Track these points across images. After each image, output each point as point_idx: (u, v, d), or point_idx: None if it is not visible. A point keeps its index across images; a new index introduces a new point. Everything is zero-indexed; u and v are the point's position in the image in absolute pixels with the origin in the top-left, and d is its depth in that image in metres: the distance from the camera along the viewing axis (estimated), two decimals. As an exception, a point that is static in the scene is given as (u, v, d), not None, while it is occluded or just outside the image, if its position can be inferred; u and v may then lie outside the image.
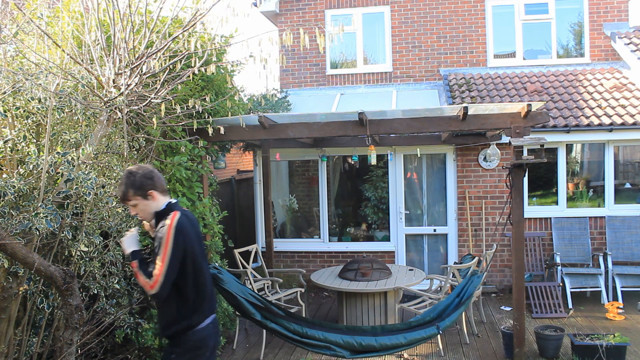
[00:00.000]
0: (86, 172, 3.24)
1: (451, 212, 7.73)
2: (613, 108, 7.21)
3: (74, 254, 3.54)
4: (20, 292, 3.20)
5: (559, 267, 6.83)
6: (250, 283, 5.65)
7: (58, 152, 3.19)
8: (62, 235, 3.35)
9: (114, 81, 3.68)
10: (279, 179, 8.80)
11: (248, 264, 6.27)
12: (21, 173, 3.17)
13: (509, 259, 7.45)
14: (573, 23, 8.71)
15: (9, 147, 3.29)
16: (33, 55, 3.56)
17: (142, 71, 3.65)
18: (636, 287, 6.62)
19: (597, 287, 6.67)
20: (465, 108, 4.73)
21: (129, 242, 2.81)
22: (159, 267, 2.55)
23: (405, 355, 5.23)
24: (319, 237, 8.19)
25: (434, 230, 7.82)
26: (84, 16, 3.85)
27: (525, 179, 6.11)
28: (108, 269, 3.92)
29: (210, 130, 4.58)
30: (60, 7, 4.08)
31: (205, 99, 4.41)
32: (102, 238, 3.85)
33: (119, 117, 3.72)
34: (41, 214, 2.95)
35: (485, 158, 7.51)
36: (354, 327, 4.44)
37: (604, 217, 7.19)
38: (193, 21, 3.83)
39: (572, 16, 8.68)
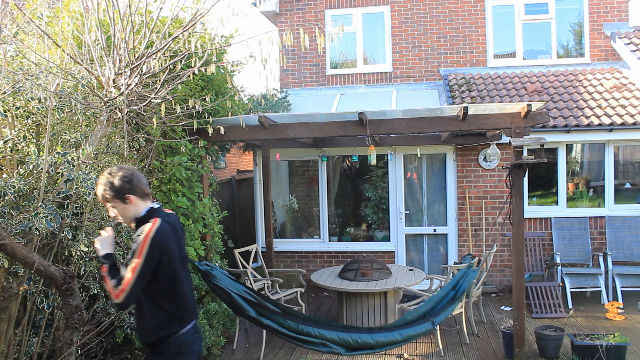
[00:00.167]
0: (86, 172, 3.24)
1: (451, 212, 7.73)
2: (613, 108, 7.21)
3: (74, 254, 3.55)
4: (20, 292, 3.20)
5: (559, 267, 6.83)
6: (250, 283, 5.65)
7: (58, 152, 3.19)
8: (62, 235, 3.35)
9: (114, 81, 3.68)
10: (279, 179, 8.80)
11: (248, 264, 6.27)
12: (21, 173, 3.18)
13: (509, 259, 7.45)
14: (573, 23, 8.71)
15: (9, 147, 3.30)
16: (33, 55, 3.56)
17: (142, 71, 3.65)
18: (636, 287, 6.62)
19: (597, 287, 6.67)
20: (465, 108, 4.73)
21: (104, 243, 2.66)
22: (129, 277, 2.45)
23: (406, 355, 5.23)
24: (319, 237, 8.19)
25: (434, 230, 7.82)
26: (84, 16, 3.85)
27: (525, 179, 6.11)
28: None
29: (210, 130, 4.58)
30: (60, 7, 4.08)
31: (205, 99, 4.41)
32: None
33: (119, 117, 3.72)
34: (41, 214, 2.95)
35: (485, 158, 7.51)
36: (350, 325, 4.43)
37: (604, 217, 7.19)
38: (193, 21, 3.83)
39: (572, 16, 8.68)
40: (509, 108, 4.85)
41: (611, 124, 6.85)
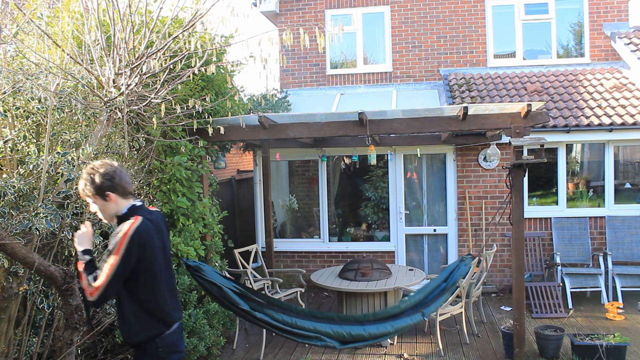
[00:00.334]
0: (86, 172, 3.23)
1: (451, 212, 7.73)
2: (613, 108, 7.21)
3: (74, 254, 3.54)
4: (20, 292, 3.20)
5: (559, 267, 6.83)
6: (250, 283, 5.65)
7: (58, 152, 3.19)
8: (62, 235, 3.35)
9: (114, 81, 3.68)
10: (279, 179, 8.80)
11: (248, 264, 6.27)
12: (21, 173, 3.18)
13: (509, 259, 7.45)
14: (573, 23, 8.71)
15: (9, 147, 3.30)
16: (33, 55, 3.56)
17: (142, 71, 3.65)
18: (636, 287, 6.62)
19: (597, 287, 6.67)
20: (465, 108, 4.73)
21: (82, 239, 2.60)
22: (105, 275, 2.39)
23: (406, 355, 5.23)
24: (319, 237, 8.19)
25: (434, 230, 7.82)
26: (84, 16, 3.85)
27: (525, 179, 6.11)
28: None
29: (210, 130, 4.58)
30: (60, 7, 4.08)
31: (205, 99, 4.41)
32: (102, 238, 3.85)
33: (119, 117, 3.72)
34: (41, 214, 2.95)
35: (485, 158, 7.51)
36: (345, 316, 4.41)
37: (604, 217, 7.19)
38: (193, 21, 3.83)
39: (572, 16, 8.68)
40: (509, 108, 4.85)
41: (611, 124, 6.85)
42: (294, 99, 8.56)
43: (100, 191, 2.51)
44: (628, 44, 7.97)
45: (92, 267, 2.49)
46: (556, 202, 7.50)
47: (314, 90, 9.07)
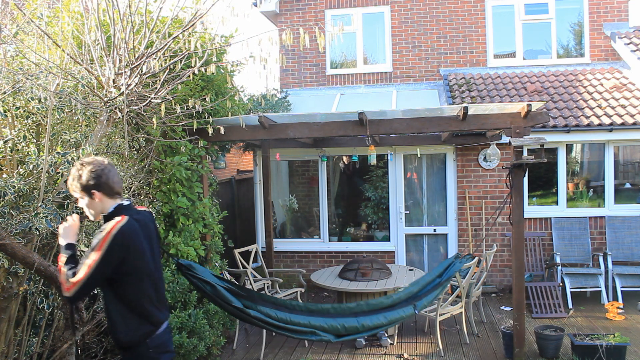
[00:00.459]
0: (86, 172, 3.23)
1: (451, 212, 7.73)
2: (613, 108, 7.21)
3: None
4: (20, 292, 3.20)
5: (559, 267, 6.83)
6: (251, 283, 5.65)
7: (58, 152, 3.19)
8: (62, 235, 3.35)
9: (114, 81, 3.68)
10: (279, 179, 8.80)
11: (248, 264, 6.27)
12: (21, 173, 3.18)
13: (509, 259, 7.45)
14: (573, 23, 8.71)
15: (9, 147, 3.30)
16: (33, 55, 3.56)
17: (142, 71, 3.65)
18: (636, 287, 6.62)
19: (597, 287, 6.67)
20: (465, 108, 4.73)
21: (67, 232, 2.55)
22: (83, 272, 2.36)
23: (406, 355, 5.23)
24: (319, 237, 8.19)
25: (434, 230, 7.82)
26: (84, 16, 3.85)
27: (525, 179, 6.10)
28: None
29: (210, 130, 4.58)
30: (60, 7, 4.08)
31: (205, 99, 4.41)
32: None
33: (119, 117, 3.72)
34: (41, 214, 2.95)
35: (485, 158, 7.51)
36: (339, 307, 4.39)
37: (604, 217, 7.19)
38: (193, 21, 3.83)
39: (572, 16, 8.68)
40: (509, 108, 4.85)
41: (611, 124, 6.85)
42: (294, 99, 8.56)
43: (86, 189, 2.48)
44: (628, 44, 7.97)
45: (72, 262, 2.45)
46: (556, 202, 7.50)
47: (314, 90, 9.07)
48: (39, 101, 3.31)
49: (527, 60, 8.77)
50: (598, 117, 7.03)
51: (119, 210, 2.53)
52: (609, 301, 6.54)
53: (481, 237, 7.53)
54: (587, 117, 7.05)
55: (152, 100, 3.91)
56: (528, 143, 4.68)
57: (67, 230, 2.56)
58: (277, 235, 8.47)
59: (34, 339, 3.48)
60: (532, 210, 7.40)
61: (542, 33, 8.73)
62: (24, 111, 3.40)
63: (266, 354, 5.37)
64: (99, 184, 2.47)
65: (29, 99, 3.32)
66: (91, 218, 2.59)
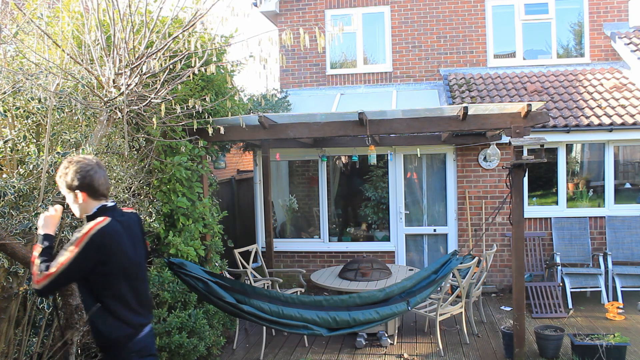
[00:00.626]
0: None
1: (451, 212, 7.73)
2: (613, 108, 7.21)
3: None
4: (20, 292, 3.20)
5: (559, 267, 6.83)
6: (250, 283, 5.65)
7: (58, 152, 3.19)
8: (62, 235, 3.35)
9: (114, 81, 3.68)
10: (279, 179, 8.80)
11: (248, 264, 6.27)
12: (21, 173, 3.17)
13: (509, 259, 7.45)
14: (573, 23, 8.71)
15: (9, 147, 3.30)
16: (33, 55, 3.56)
17: (142, 71, 3.65)
18: (636, 287, 6.62)
19: (597, 287, 6.67)
20: (465, 108, 4.73)
21: (47, 222, 2.51)
22: (56, 267, 2.32)
23: (406, 355, 5.23)
24: (319, 237, 8.19)
25: (434, 230, 7.82)
26: (84, 16, 3.86)
27: (525, 179, 6.11)
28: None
29: (210, 130, 4.58)
30: (60, 7, 4.08)
31: (205, 99, 4.41)
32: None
33: (119, 117, 3.72)
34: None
35: (485, 158, 7.51)
36: (332, 299, 4.36)
37: (604, 217, 7.19)
38: (193, 21, 3.83)
39: (572, 16, 8.68)
40: (509, 108, 4.85)
41: (611, 124, 6.85)
42: (294, 99, 8.56)
43: (70, 188, 2.46)
44: (628, 44, 7.97)
45: (47, 255, 2.41)
46: (556, 202, 7.50)
47: (314, 90, 9.07)
48: (39, 101, 3.31)
49: (527, 60, 8.77)
50: (598, 117, 7.03)
51: (102, 211, 2.49)
52: (609, 301, 6.54)
53: (481, 237, 7.53)
54: (587, 117, 7.05)
55: (152, 100, 3.91)
56: (528, 143, 4.68)
57: (48, 220, 2.52)
58: (277, 235, 8.47)
59: (34, 339, 3.48)
60: (532, 210, 7.40)
61: (542, 33, 8.74)
62: (24, 111, 3.40)
63: (266, 354, 5.37)
64: (83, 184, 2.44)
65: (29, 99, 3.32)
66: (76, 215, 2.56)
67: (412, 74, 8.89)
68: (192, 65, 3.83)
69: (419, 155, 7.43)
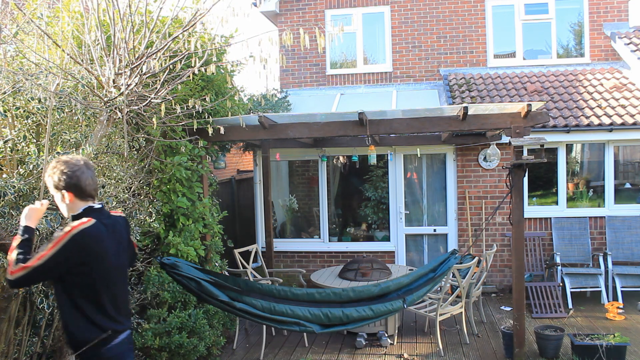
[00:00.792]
0: (86, 172, 3.23)
1: (451, 212, 7.73)
2: (613, 108, 7.21)
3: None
4: (20, 292, 3.20)
5: (559, 267, 6.83)
6: (250, 283, 5.65)
7: (58, 152, 3.19)
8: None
9: (114, 81, 3.68)
10: (279, 179, 8.80)
11: (248, 264, 6.27)
12: (21, 173, 3.17)
13: (509, 259, 7.45)
14: (573, 23, 8.71)
15: (9, 147, 3.30)
16: (33, 55, 3.56)
17: (142, 71, 3.66)
18: (636, 287, 6.62)
19: (597, 287, 6.67)
20: (465, 108, 4.73)
21: (30, 214, 2.50)
22: (32, 261, 2.31)
23: (406, 355, 5.23)
24: (319, 237, 8.19)
25: (434, 230, 7.82)
26: (84, 16, 3.86)
27: (525, 179, 6.11)
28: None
29: (210, 130, 4.58)
30: (60, 7, 4.08)
31: (205, 99, 4.41)
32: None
33: (119, 117, 3.72)
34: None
35: (485, 158, 7.52)
36: (324, 291, 4.28)
37: (604, 217, 7.19)
38: (193, 21, 3.83)
39: (572, 16, 8.68)
40: (509, 108, 4.85)
41: (611, 124, 6.85)
42: (294, 99, 8.56)
43: (57, 188, 2.46)
44: (628, 44, 7.97)
45: (25, 247, 2.40)
46: (556, 202, 7.50)
47: (314, 90, 9.07)
48: (39, 101, 3.31)
49: (527, 60, 8.77)
50: (598, 117, 7.03)
51: (88, 212, 2.48)
52: (609, 301, 6.55)
53: (481, 237, 7.53)
54: (587, 117, 7.05)
55: (152, 100, 3.91)
56: (528, 143, 4.68)
57: (32, 212, 2.52)
58: (277, 235, 8.47)
59: (34, 339, 3.48)
60: (532, 210, 7.40)
61: (542, 33, 8.74)
62: (24, 111, 3.40)
63: (266, 354, 5.37)
64: (69, 185, 2.44)
65: (29, 99, 3.32)
66: (64, 214, 2.56)
67: (412, 74, 8.89)
68: (192, 65, 3.83)
69: (419, 155, 7.43)
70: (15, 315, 3.24)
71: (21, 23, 3.71)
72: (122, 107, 3.62)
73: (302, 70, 9.19)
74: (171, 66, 3.87)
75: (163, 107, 3.96)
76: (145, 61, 3.62)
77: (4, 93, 3.18)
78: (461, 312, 5.55)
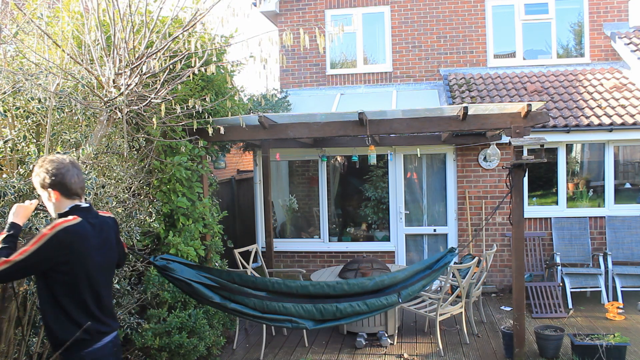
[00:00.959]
0: (86, 172, 3.24)
1: (451, 212, 7.73)
2: (613, 108, 7.21)
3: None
4: (20, 292, 3.20)
5: (559, 267, 6.83)
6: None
7: (58, 152, 3.19)
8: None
9: (114, 81, 3.68)
10: (279, 179, 8.80)
11: (248, 264, 6.27)
12: (21, 173, 3.17)
13: (509, 259, 7.45)
14: (573, 23, 8.71)
15: (9, 147, 3.30)
16: (33, 55, 3.56)
17: (142, 71, 3.66)
18: (636, 287, 6.62)
19: (597, 287, 6.67)
20: (465, 108, 4.73)
21: (18, 212, 2.51)
22: (13, 256, 2.29)
23: (406, 355, 5.23)
24: (319, 237, 8.19)
25: (434, 230, 7.82)
26: (84, 16, 3.86)
27: (525, 179, 6.11)
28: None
29: (210, 130, 4.58)
30: (60, 7, 4.08)
31: (205, 99, 4.41)
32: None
33: (119, 117, 3.73)
34: (41, 214, 2.95)
35: (485, 158, 7.52)
36: (318, 283, 4.23)
37: (604, 217, 7.19)
38: (193, 21, 3.83)
39: (572, 16, 8.69)
40: (509, 108, 4.85)
41: (611, 124, 6.85)
42: (294, 99, 8.56)
43: (43, 186, 2.46)
44: (628, 44, 7.97)
45: (9, 242, 2.38)
46: (556, 202, 7.50)
47: (314, 90, 9.07)
48: (39, 101, 3.31)
49: (527, 60, 8.77)
50: (598, 117, 7.03)
51: (74, 211, 2.48)
52: (609, 301, 6.55)
53: (481, 237, 7.53)
54: (587, 117, 7.05)
55: (152, 100, 3.91)
56: (528, 143, 4.68)
57: (20, 210, 2.53)
58: (277, 235, 8.47)
59: (34, 339, 3.48)
60: (532, 210, 7.40)
61: (542, 33, 8.74)
62: (24, 111, 3.40)
63: (266, 354, 5.37)
64: (54, 183, 2.43)
65: (29, 99, 3.32)
66: (51, 213, 2.55)
67: (412, 74, 8.89)
68: (192, 65, 3.83)
69: (419, 155, 7.43)
70: (15, 315, 3.24)
71: (21, 23, 3.71)
72: (122, 107, 3.63)
73: (302, 70, 9.19)
74: (171, 66, 3.87)
75: (163, 107, 3.97)
76: (145, 61, 3.62)
77: (4, 93, 3.18)
78: (461, 312, 5.55)
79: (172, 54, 3.90)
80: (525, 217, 5.35)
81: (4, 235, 2.40)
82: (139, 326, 4.35)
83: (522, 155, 4.77)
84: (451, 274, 5.72)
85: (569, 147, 7.59)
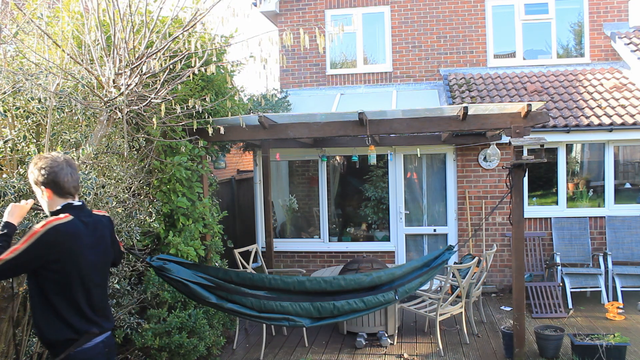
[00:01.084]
0: (86, 172, 3.24)
1: (451, 212, 7.73)
2: (613, 108, 7.21)
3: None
4: (21, 292, 3.20)
5: (559, 267, 6.83)
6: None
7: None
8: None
9: (114, 81, 3.68)
10: (279, 179, 8.80)
11: (248, 264, 6.27)
12: (21, 173, 3.18)
13: (509, 259, 7.45)
14: (573, 23, 8.71)
15: (9, 147, 3.30)
16: (33, 55, 3.56)
17: (142, 71, 3.66)
18: (636, 287, 6.62)
19: (597, 287, 6.67)
20: (465, 108, 4.73)
21: (13, 211, 2.52)
22: (4, 254, 2.28)
23: (406, 356, 5.23)
24: (319, 237, 8.19)
25: (434, 230, 7.82)
26: (84, 16, 3.86)
27: (525, 179, 6.11)
28: (108, 269, 3.91)
29: (210, 130, 4.58)
30: (60, 7, 4.08)
31: (205, 99, 4.41)
32: None
33: (119, 117, 3.73)
34: (41, 214, 2.95)
35: (485, 158, 7.52)
36: (315, 279, 4.22)
37: (604, 217, 7.19)
38: (193, 21, 3.83)
39: (572, 16, 8.69)
40: (509, 108, 4.85)
41: (611, 124, 6.85)
42: (294, 99, 8.56)
43: (36, 184, 2.45)
44: (628, 44, 7.97)
45: (3, 242, 2.38)
46: (556, 202, 7.50)
47: (314, 90, 9.07)
48: (39, 101, 3.32)
49: (527, 60, 8.77)
50: (598, 117, 7.03)
51: (66, 209, 2.46)
52: (609, 301, 6.55)
53: (481, 237, 7.53)
54: (587, 117, 7.05)
55: (152, 100, 3.91)
56: (528, 143, 4.68)
57: (15, 210, 2.53)
58: (277, 235, 8.47)
59: (34, 339, 3.48)
60: (532, 210, 7.40)
61: (542, 33, 8.74)
62: (24, 111, 3.40)
63: (266, 354, 5.37)
64: (47, 181, 2.42)
65: (29, 99, 3.32)
66: (45, 211, 2.54)
67: (412, 74, 8.89)
68: (192, 65, 3.83)
69: (419, 155, 7.43)
70: (15, 315, 3.24)
71: (21, 23, 3.71)
72: (122, 107, 3.63)
73: (302, 70, 9.19)
74: (171, 66, 3.87)
75: (163, 107, 3.97)
76: (145, 61, 3.62)
77: (4, 93, 3.18)
78: (461, 312, 5.55)
79: (172, 54, 3.90)
80: (525, 217, 5.35)
81: None
82: (139, 326, 4.35)
83: (522, 155, 4.77)
84: (451, 274, 5.72)
85: (569, 147, 7.59)
